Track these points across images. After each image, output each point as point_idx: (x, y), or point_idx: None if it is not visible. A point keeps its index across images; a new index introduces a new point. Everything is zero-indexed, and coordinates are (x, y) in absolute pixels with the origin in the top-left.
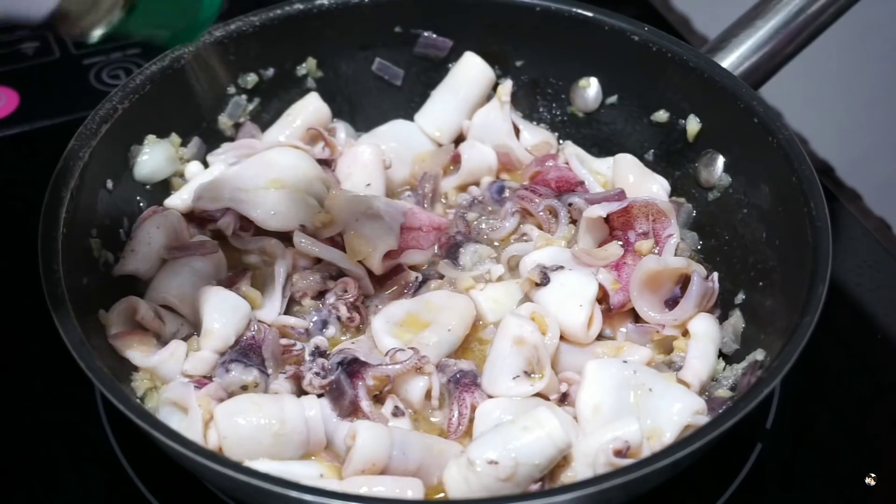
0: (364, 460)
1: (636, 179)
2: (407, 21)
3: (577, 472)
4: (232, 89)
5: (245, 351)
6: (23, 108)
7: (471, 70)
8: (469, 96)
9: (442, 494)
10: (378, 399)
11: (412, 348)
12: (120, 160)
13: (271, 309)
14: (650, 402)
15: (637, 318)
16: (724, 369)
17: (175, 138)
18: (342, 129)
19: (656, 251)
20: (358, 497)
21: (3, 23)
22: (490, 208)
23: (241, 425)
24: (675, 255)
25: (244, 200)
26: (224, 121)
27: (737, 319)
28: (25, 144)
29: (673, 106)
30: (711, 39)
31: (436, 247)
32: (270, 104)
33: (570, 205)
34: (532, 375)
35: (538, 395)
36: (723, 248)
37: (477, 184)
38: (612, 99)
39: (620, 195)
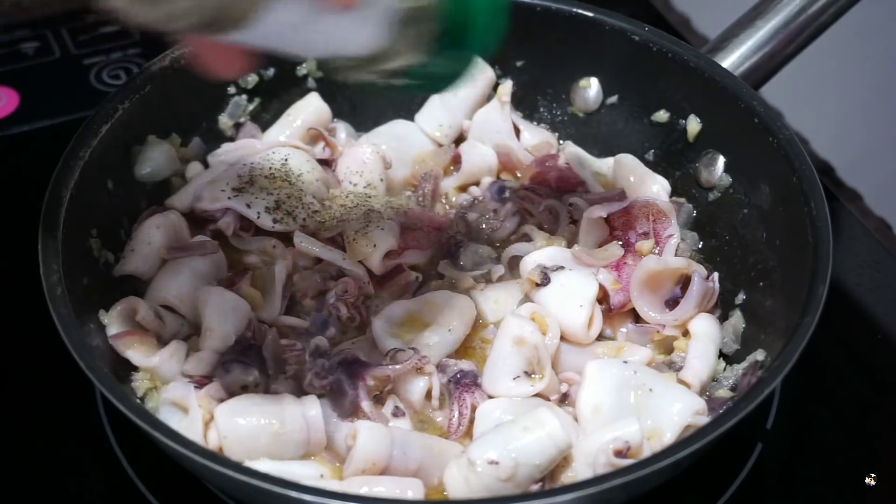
0: (364, 460)
1: (636, 180)
2: None
3: (578, 472)
4: (232, 89)
5: (245, 351)
6: (23, 108)
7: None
8: (469, 96)
9: (442, 494)
10: (378, 399)
11: (412, 348)
12: (120, 160)
13: (271, 309)
14: (650, 402)
15: (637, 318)
16: (725, 369)
17: (175, 138)
18: (342, 129)
19: (657, 251)
20: (358, 497)
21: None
22: (490, 208)
23: (241, 425)
24: (676, 255)
25: (244, 200)
26: (224, 121)
27: (737, 319)
28: (25, 144)
29: (673, 106)
30: (711, 39)
31: (436, 247)
32: (270, 104)
33: (570, 205)
34: (532, 376)
35: (538, 395)
36: (723, 248)
37: (477, 184)
38: (613, 99)
39: (621, 195)
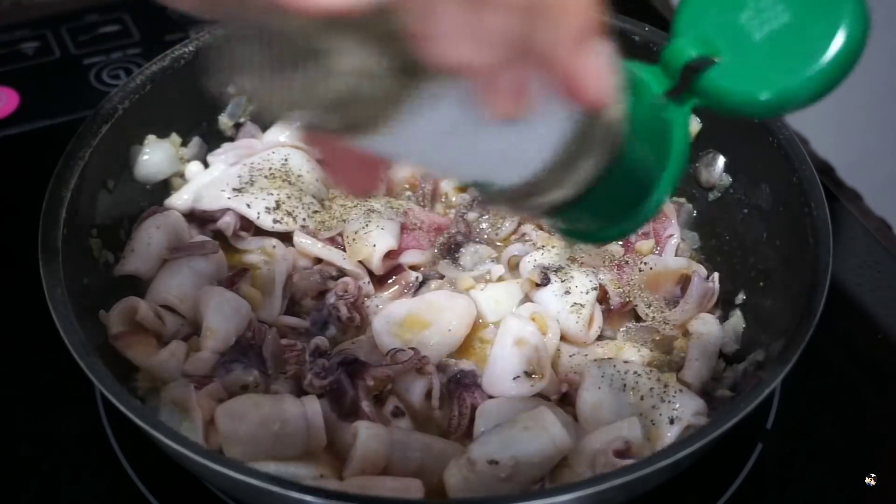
0: (364, 460)
1: None
2: None
3: (577, 472)
4: (232, 89)
5: (245, 351)
6: (23, 108)
7: None
8: None
9: (442, 494)
10: (378, 399)
11: (412, 348)
12: (120, 160)
13: (271, 309)
14: (650, 402)
15: (637, 318)
16: (725, 369)
17: (175, 138)
18: None
19: (657, 251)
20: (358, 497)
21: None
22: (490, 208)
23: (241, 425)
24: (676, 255)
25: (244, 200)
26: (224, 121)
27: (737, 320)
28: (25, 144)
29: None
30: None
31: (436, 247)
32: None
33: None
34: (532, 376)
35: (538, 395)
36: (723, 248)
37: None
38: None
39: None
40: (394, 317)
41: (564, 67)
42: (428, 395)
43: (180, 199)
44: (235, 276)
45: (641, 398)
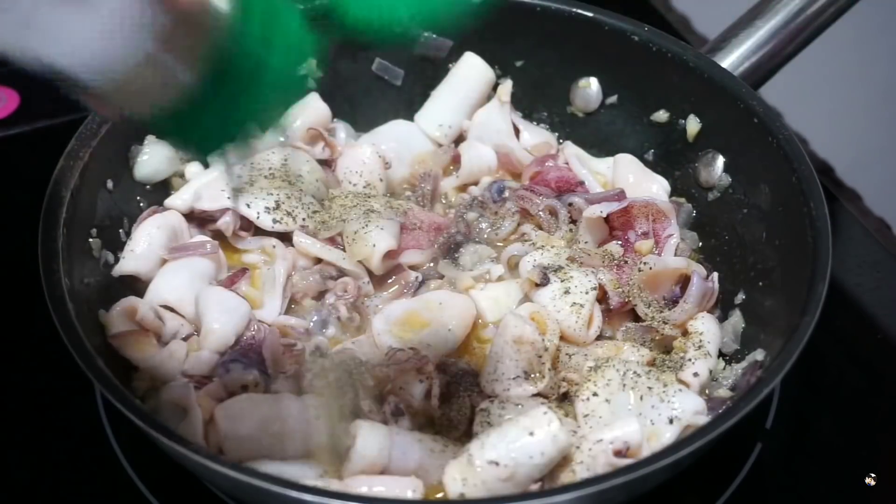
0: (364, 460)
1: (636, 179)
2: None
3: (577, 472)
4: None
5: (245, 351)
6: (23, 108)
7: (471, 70)
8: (469, 96)
9: (442, 494)
10: (378, 399)
11: (412, 348)
12: (120, 160)
13: (271, 309)
14: (650, 402)
15: (637, 318)
16: (724, 369)
17: None
18: (342, 129)
19: (656, 251)
20: (358, 497)
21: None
22: (490, 208)
23: (241, 425)
24: (675, 255)
25: (244, 200)
26: None
27: (737, 319)
28: (25, 144)
29: (673, 106)
30: (711, 39)
31: (435, 247)
32: None
33: (570, 205)
34: (532, 376)
35: (538, 395)
36: (723, 248)
37: (476, 184)
38: (612, 99)
39: (620, 195)
40: (394, 317)
41: None
42: (428, 395)
43: (180, 199)
44: (235, 276)
45: (641, 398)
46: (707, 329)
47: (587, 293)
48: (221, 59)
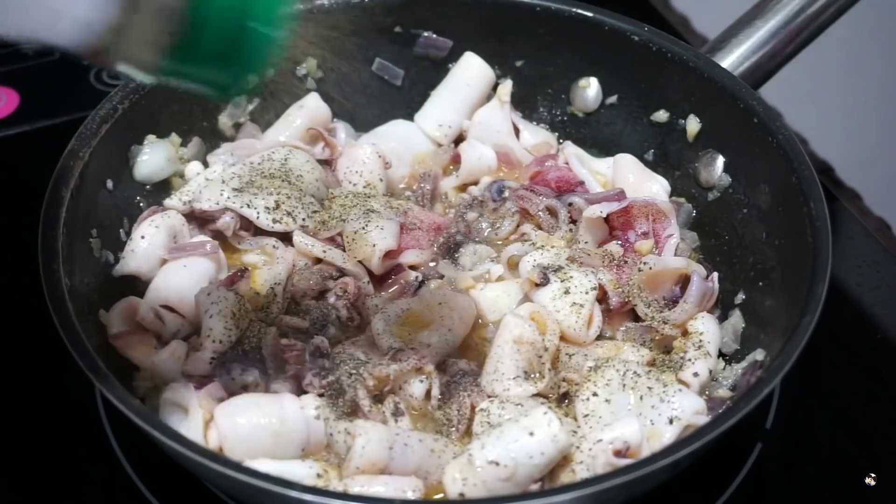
0: (364, 460)
1: (636, 179)
2: (407, 21)
3: (577, 472)
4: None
5: (245, 351)
6: (23, 108)
7: (471, 70)
8: (469, 96)
9: (442, 494)
10: (378, 399)
11: (412, 348)
12: (120, 160)
13: (271, 309)
14: (650, 402)
15: (637, 318)
16: (724, 369)
17: (175, 138)
18: (342, 129)
19: (656, 251)
20: (358, 497)
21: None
22: (490, 208)
23: (241, 425)
24: (675, 255)
25: (244, 200)
26: (224, 121)
27: (737, 319)
28: (25, 144)
29: (673, 106)
30: (711, 39)
31: (435, 247)
32: (270, 104)
33: (569, 205)
34: (532, 375)
35: (538, 395)
36: (723, 248)
37: (476, 184)
38: (612, 99)
39: (620, 195)
40: (394, 317)
41: None
42: (428, 394)
43: (180, 199)
44: (235, 276)
45: (641, 398)
46: (707, 329)
47: (587, 293)
48: None
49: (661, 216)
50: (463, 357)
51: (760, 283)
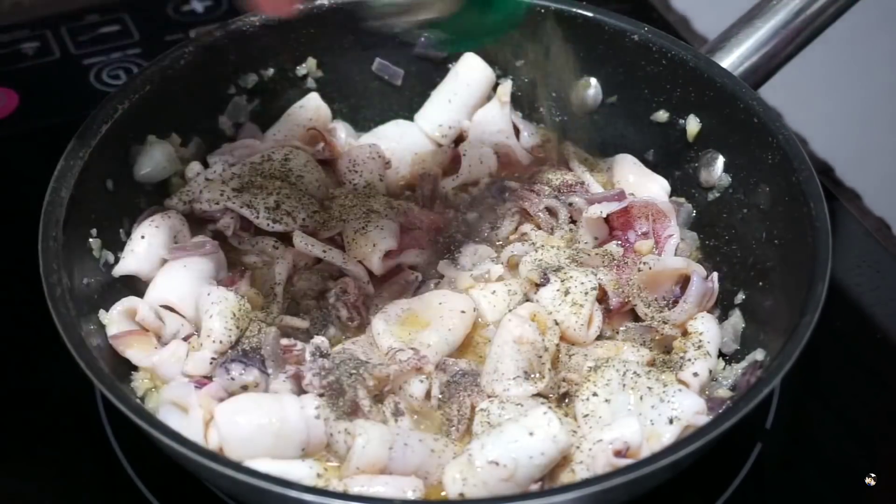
0: (364, 460)
1: (636, 179)
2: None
3: (577, 472)
4: (232, 89)
5: (245, 351)
6: (23, 108)
7: (471, 70)
8: (469, 96)
9: (442, 494)
10: (378, 399)
11: (412, 348)
12: (120, 160)
13: (271, 309)
14: (650, 402)
15: (637, 318)
16: (724, 369)
17: (175, 138)
18: (342, 129)
19: (656, 251)
20: (358, 497)
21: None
22: (490, 208)
23: (241, 425)
24: (675, 255)
25: (244, 200)
26: (224, 121)
27: (737, 319)
28: (25, 144)
29: (673, 106)
30: (711, 39)
31: (436, 247)
32: (270, 104)
33: (569, 205)
34: (532, 375)
35: (538, 395)
36: (723, 248)
37: (476, 184)
38: (612, 99)
39: (620, 195)
40: (393, 317)
41: None
42: (428, 395)
43: (180, 200)
44: (235, 276)
45: (641, 398)
46: (707, 329)
47: (587, 293)
48: None
49: (661, 216)
50: (463, 357)
51: (760, 283)
